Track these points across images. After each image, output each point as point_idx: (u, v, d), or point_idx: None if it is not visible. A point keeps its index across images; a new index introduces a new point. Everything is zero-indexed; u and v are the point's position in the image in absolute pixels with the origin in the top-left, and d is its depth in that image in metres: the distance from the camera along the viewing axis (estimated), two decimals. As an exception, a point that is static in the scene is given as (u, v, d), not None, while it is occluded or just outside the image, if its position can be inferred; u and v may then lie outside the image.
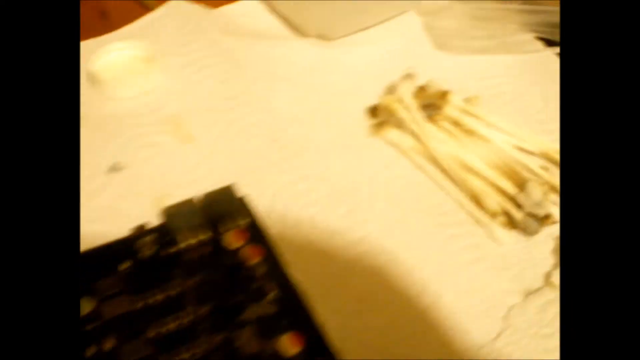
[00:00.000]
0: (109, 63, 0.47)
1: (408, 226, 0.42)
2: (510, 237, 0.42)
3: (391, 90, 0.48)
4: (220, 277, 0.37)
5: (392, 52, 0.52)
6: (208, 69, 0.48)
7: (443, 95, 0.47)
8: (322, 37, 0.52)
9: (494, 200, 0.43)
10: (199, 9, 0.52)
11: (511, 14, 0.53)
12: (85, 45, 0.49)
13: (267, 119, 0.45)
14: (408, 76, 0.48)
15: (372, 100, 0.48)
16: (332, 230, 0.41)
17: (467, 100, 0.48)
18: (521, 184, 0.43)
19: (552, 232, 0.43)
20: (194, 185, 0.42)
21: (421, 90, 0.47)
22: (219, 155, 0.44)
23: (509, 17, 0.53)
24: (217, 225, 0.39)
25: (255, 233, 0.39)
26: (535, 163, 0.45)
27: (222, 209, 0.40)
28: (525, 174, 0.44)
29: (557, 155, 0.46)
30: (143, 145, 0.44)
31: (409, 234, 0.42)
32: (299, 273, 0.38)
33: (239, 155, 0.44)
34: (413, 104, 0.46)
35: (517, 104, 0.50)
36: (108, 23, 0.52)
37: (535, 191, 0.42)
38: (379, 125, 0.46)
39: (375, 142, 0.46)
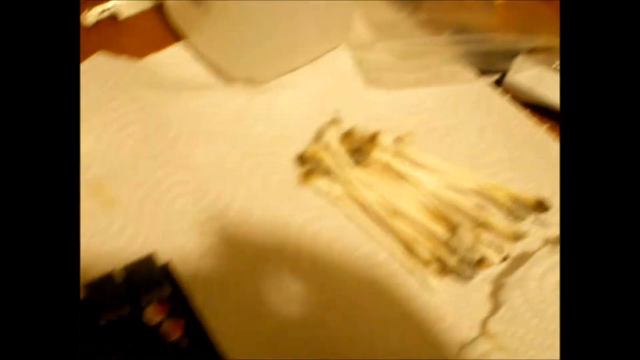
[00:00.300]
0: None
1: (337, 282, 0.41)
2: (445, 284, 0.41)
3: (320, 135, 0.47)
4: (140, 357, 0.36)
5: (322, 92, 0.51)
6: (131, 127, 0.46)
7: (371, 138, 0.46)
8: (250, 81, 0.50)
9: (425, 248, 0.42)
10: (122, 63, 0.51)
11: (442, 46, 0.51)
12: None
13: (190, 177, 0.44)
14: (334, 121, 0.46)
15: (302, 147, 0.47)
16: (259, 291, 0.40)
17: (399, 139, 0.47)
18: (454, 228, 0.42)
19: (488, 276, 0.42)
20: (117, 253, 0.41)
21: (348, 135, 0.46)
22: (142, 220, 0.42)
23: (440, 50, 0.51)
24: (139, 298, 0.38)
25: (177, 304, 0.38)
26: (469, 202, 0.44)
27: (144, 280, 0.39)
28: (458, 217, 0.43)
29: (493, 191, 0.45)
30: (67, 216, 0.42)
31: (338, 291, 0.40)
32: (228, 340, 0.37)
33: (162, 218, 0.42)
34: (340, 150, 0.45)
35: (452, 138, 0.49)
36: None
37: (466, 235, 0.41)
38: (308, 174, 0.45)
39: (304, 192, 0.45)
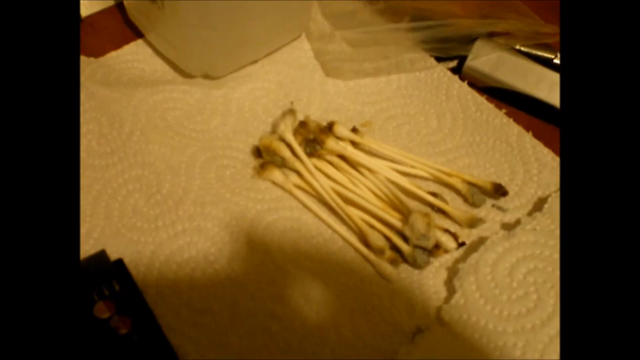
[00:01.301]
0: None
1: (290, 273, 0.40)
2: (399, 272, 0.41)
3: (275, 125, 0.46)
4: (91, 348, 0.36)
5: (280, 84, 0.50)
6: (86, 125, 0.46)
7: (327, 128, 0.46)
8: (208, 76, 0.50)
9: (380, 236, 0.42)
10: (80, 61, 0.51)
11: (401, 33, 0.51)
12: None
13: (144, 173, 0.44)
14: (289, 112, 0.46)
15: (260, 136, 0.47)
16: (211, 284, 0.40)
17: (356, 127, 0.47)
18: (408, 215, 0.42)
19: (444, 263, 0.42)
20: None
21: (303, 125, 0.45)
22: (96, 215, 0.42)
23: (399, 37, 0.51)
24: (90, 294, 0.38)
25: (126, 301, 0.38)
26: (425, 190, 0.44)
27: (95, 275, 0.39)
28: (413, 205, 0.42)
29: (449, 178, 0.45)
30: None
31: (290, 282, 0.40)
32: (179, 335, 0.37)
33: (116, 214, 0.42)
34: (295, 141, 0.45)
35: (410, 126, 0.49)
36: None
37: (419, 222, 0.41)
38: (263, 166, 0.45)
39: (260, 183, 0.44)
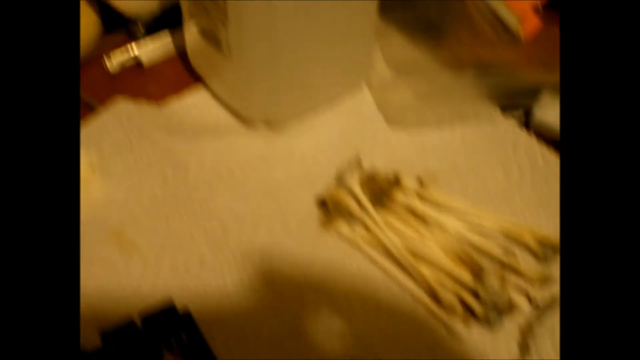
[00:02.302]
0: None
1: (359, 329, 0.40)
2: (471, 331, 0.40)
3: (341, 177, 0.46)
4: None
5: (343, 133, 0.50)
6: (150, 173, 0.46)
7: (394, 181, 0.45)
8: (269, 123, 0.50)
9: (451, 293, 0.41)
10: (143, 109, 0.51)
11: (464, 84, 0.51)
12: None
13: (210, 224, 0.44)
14: (355, 164, 0.46)
15: (323, 189, 0.46)
16: (279, 336, 0.39)
17: (422, 180, 0.46)
18: (479, 272, 0.41)
19: (516, 322, 0.41)
20: (136, 300, 0.40)
21: (370, 178, 0.45)
22: (161, 265, 0.42)
23: (462, 87, 0.51)
24: (158, 346, 0.38)
25: (195, 352, 0.38)
26: (495, 245, 0.43)
27: (162, 327, 0.39)
28: (483, 261, 0.42)
29: (519, 233, 0.44)
30: (84, 261, 0.42)
31: (359, 338, 0.39)
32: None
33: (182, 263, 0.42)
34: (362, 193, 0.44)
35: (476, 178, 0.48)
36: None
37: (492, 280, 0.40)
38: (330, 218, 0.44)
39: (326, 235, 0.44)
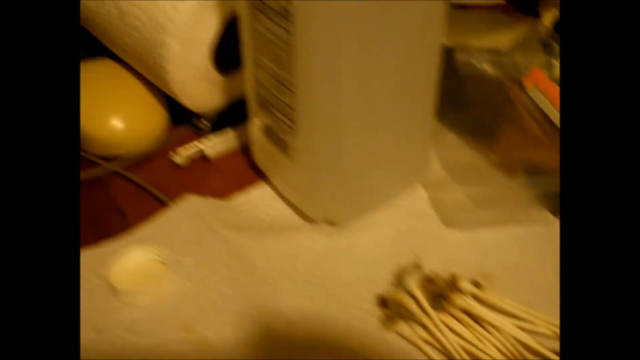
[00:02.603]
0: (125, 270, 0.49)
1: None
2: None
3: (401, 277, 0.48)
4: None
5: (400, 232, 0.53)
6: (219, 269, 0.49)
7: (452, 283, 0.47)
8: (330, 221, 0.53)
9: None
10: (210, 204, 0.54)
11: (516, 187, 0.53)
12: (103, 248, 0.51)
13: (277, 322, 0.46)
14: (414, 265, 0.48)
15: (382, 288, 0.49)
16: None
17: (478, 281, 0.48)
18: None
19: None
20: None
21: (429, 280, 0.47)
22: (233, 362, 0.44)
23: (514, 190, 0.53)
24: None
25: None
26: (548, 348, 0.45)
27: None
28: (540, 365, 0.43)
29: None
30: (156, 355, 0.44)
31: None
32: None
33: (251, 362, 0.44)
34: (422, 296, 0.46)
35: (530, 280, 0.50)
36: (125, 221, 0.54)
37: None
38: (391, 319, 0.46)
39: (387, 335, 0.46)
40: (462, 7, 0.73)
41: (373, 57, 0.45)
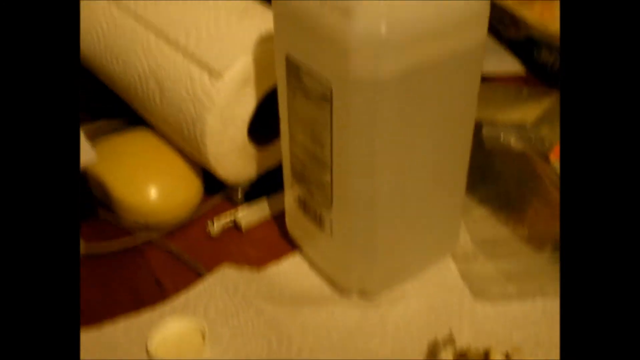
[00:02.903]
0: (163, 340, 0.50)
1: None
2: None
3: (434, 351, 0.49)
4: None
5: (432, 305, 0.54)
6: (256, 341, 0.50)
7: (485, 357, 0.48)
8: (363, 292, 0.54)
9: None
10: (245, 275, 0.55)
11: (545, 260, 0.54)
12: (141, 318, 0.52)
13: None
14: (449, 340, 0.49)
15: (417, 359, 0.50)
16: None
17: (509, 355, 0.49)
18: None
19: None
20: None
21: (462, 354, 0.48)
22: None
23: (542, 264, 0.54)
24: None
25: None
26: None
27: None
28: None
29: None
30: None
31: None
32: None
33: None
34: (455, 371, 0.47)
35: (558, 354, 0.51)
36: (161, 289, 0.56)
37: None
38: (424, 393, 0.47)
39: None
40: (485, 79, 0.75)
41: (408, 136, 0.47)
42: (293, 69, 0.48)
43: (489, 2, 0.46)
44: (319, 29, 0.43)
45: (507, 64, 0.78)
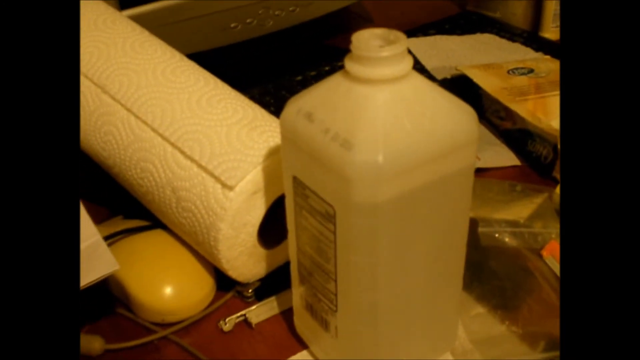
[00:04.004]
0: None
1: None
2: None
3: None
4: None
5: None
6: None
7: None
8: None
9: None
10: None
11: (538, 358, 0.57)
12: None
13: None
14: None
15: None
16: None
17: None
18: None
19: None
20: None
21: None
22: None
23: (536, 361, 0.58)
24: None
25: None
26: None
27: None
28: None
29: None
30: None
31: None
32: None
33: None
34: None
35: None
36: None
37: None
38: None
39: None
40: (479, 170, 0.79)
41: (407, 248, 0.51)
42: (299, 188, 0.52)
43: (477, 129, 0.50)
44: (323, 157, 0.48)
45: (503, 157, 0.82)
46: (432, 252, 0.53)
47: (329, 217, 0.49)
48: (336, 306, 0.54)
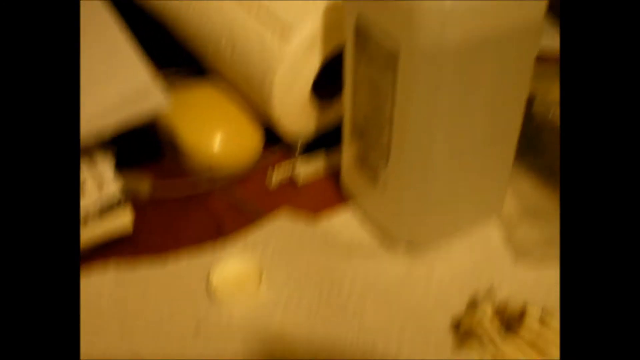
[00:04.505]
0: (224, 278, 0.55)
1: None
2: None
3: (474, 304, 0.53)
4: None
5: (475, 263, 0.57)
6: (308, 285, 0.54)
7: (520, 313, 0.51)
8: (410, 245, 0.57)
9: None
10: (301, 223, 0.59)
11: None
12: (203, 258, 0.57)
13: (361, 336, 0.51)
14: (487, 296, 0.52)
15: (458, 313, 0.53)
16: None
17: (544, 317, 0.52)
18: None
19: None
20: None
21: (500, 310, 0.52)
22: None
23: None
24: None
25: None
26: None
27: None
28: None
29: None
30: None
31: None
32: None
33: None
34: (492, 325, 0.51)
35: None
36: (222, 234, 0.60)
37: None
38: (462, 343, 0.51)
39: (459, 358, 0.51)
40: (540, 58, 0.77)
41: (466, 102, 0.50)
42: (361, 33, 0.51)
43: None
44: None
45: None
46: (490, 113, 0.52)
47: (391, 62, 0.48)
48: (388, 157, 0.53)
